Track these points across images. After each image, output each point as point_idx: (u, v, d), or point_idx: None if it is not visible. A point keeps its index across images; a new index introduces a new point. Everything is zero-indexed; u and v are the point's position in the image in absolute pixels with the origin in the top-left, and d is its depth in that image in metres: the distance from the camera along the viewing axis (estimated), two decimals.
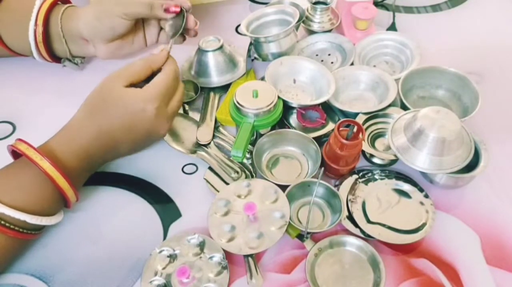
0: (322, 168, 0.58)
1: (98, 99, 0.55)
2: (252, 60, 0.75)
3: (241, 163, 0.62)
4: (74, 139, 0.53)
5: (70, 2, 0.70)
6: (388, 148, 0.62)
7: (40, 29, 0.65)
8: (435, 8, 0.90)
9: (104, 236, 0.57)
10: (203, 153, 0.63)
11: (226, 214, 0.56)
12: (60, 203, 0.54)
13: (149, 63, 0.58)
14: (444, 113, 0.56)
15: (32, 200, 0.50)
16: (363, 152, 0.63)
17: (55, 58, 0.71)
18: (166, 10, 0.65)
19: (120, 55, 0.72)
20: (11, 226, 0.49)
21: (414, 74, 0.68)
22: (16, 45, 0.69)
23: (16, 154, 0.52)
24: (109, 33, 0.67)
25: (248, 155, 0.62)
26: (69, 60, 0.72)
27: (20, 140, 0.51)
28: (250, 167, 0.62)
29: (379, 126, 0.65)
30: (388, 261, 0.54)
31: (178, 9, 0.65)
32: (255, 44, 0.72)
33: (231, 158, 0.63)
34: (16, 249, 0.53)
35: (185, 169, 0.64)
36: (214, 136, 0.65)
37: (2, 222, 0.48)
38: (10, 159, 0.53)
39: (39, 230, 0.53)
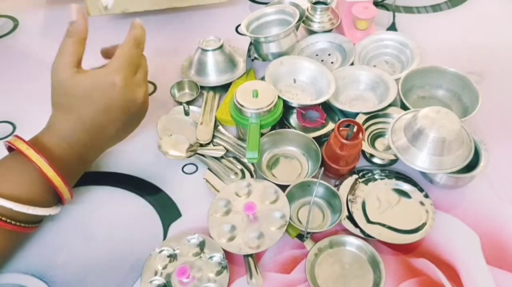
0: (322, 168, 0.58)
1: (62, 96, 0.55)
2: (252, 60, 0.75)
3: (242, 163, 0.62)
4: (59, 133, 0.54)
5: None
6: (388, 148, 0.62)
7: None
8: (435, 8, 0.90)
9: (104, 236, 0.57)
10: (201, 156, 0.63)
11: (226, 214, 0.56)
12: (53, 197, 0.53)
13: (78, 35, 0.55)
14: (444, 113, 0.56)
15: (22, 191, 0.50)
16: (363, 152, 0.63)
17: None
18: None
19: None
20: (2, 218, 0.48)
21: (414, 74, 0.68)
22: None
23: (10, 148, 0.52)
24: None
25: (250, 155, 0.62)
26: None
27: (17, 137, 0.51)
28: (251, 166, 0.62)
29: (379, 126, 0.65)
30: (388, 261, 0.54)
31: None
32: (255, 44, 0.72)
33: (227, 159, 0.63)
34: (10, 243, 0.52)
35: (185, 169, 0.64)
36: (214, 136, 0.65)
37: None
38: None
39: (30, 223, 0.52)
